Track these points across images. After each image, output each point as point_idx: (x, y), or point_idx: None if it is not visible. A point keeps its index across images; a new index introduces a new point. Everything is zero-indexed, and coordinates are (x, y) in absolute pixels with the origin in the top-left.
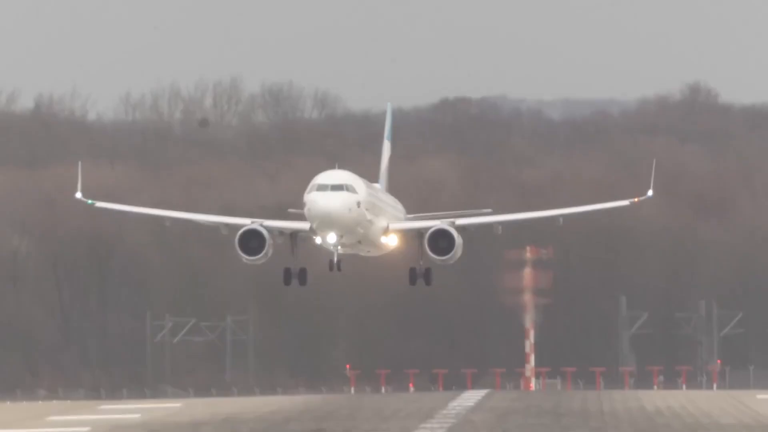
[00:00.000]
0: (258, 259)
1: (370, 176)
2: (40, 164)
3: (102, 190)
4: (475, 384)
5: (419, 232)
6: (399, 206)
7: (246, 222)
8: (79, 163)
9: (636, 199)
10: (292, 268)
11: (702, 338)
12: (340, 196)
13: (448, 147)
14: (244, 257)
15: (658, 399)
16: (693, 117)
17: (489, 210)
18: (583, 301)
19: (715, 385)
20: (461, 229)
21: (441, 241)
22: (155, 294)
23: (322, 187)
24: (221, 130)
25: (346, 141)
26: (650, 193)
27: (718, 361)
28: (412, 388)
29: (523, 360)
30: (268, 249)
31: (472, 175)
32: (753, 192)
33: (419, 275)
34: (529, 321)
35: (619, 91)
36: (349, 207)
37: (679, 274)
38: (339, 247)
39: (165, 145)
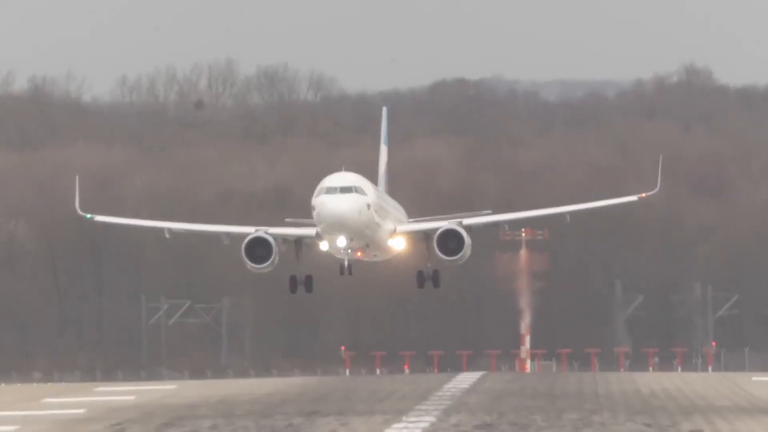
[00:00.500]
0: (265, 267)
1: (368, 159)
2: (36, 147)
3: (98, 174)
4: (471, 366)
5: (426, 234)
6: (401, 210)
7: (250, 231)
8: (77, 176)
9: (644, 195)
10: (297, 275)
11: (697, 320)
12: (350, 199)
13: (444, 128)
14: (251, 265)
15: (653, 381)
16: (689, 98)
17: (489, 211)
18: (578, 283)
19: (710, 367)
20: (467, 229)
21: (450, 241)
22: (150, 276)
23: (330, 190)
24: (216, 112)
25: (342, 122)
26: (657, 188)
27: (713, 343)
28: (407, 370)
29: (518, 342)
30: (275, 256)
31: (469, 157)
32: (749, 174)
33: (427, 278)
34: (524, 303)
35: (615, 72)
36: (359, 209)
37: (674, 256)
38: (349, 251)
39: (160, 128)
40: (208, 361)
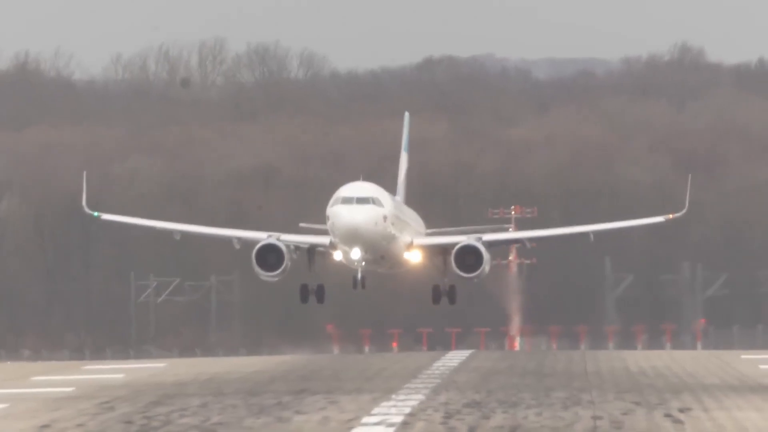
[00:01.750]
0: (276, 275)
1: (357, 138)
2: (25, 124)
3: (88, 152)
4: (460, 343)
5: (444, 249)
6: (420, 221)
7: (262, 236)
8: (84, 173)
9: (671, 215)
10: (309, 284)
11: (686, 299)
12: (367, 210)
13: (435, 106)
14: (262, 273)
15: (642, 359)
16: (681, 76)
17: (510, 226)
18: (567, 261)
19: (699, 344)
20: (487, 245)
21: (468, 257)
22: (139, 254)
23: (347, 200)
24: (206, 90)
25: (332, 101)
26: (685, 209)
27: (702, 320)
28: (395, 348)
29: (506, 319)
30: (287, 264)
31: (460, 135)
32: (740, 152)
33: (443, 293)
34: (513, 280)
35: (607, 50)
36: (375, 221)
37: (663, 235)
38: (363, 263)
39: (151, 106)
40: (198, 339)
